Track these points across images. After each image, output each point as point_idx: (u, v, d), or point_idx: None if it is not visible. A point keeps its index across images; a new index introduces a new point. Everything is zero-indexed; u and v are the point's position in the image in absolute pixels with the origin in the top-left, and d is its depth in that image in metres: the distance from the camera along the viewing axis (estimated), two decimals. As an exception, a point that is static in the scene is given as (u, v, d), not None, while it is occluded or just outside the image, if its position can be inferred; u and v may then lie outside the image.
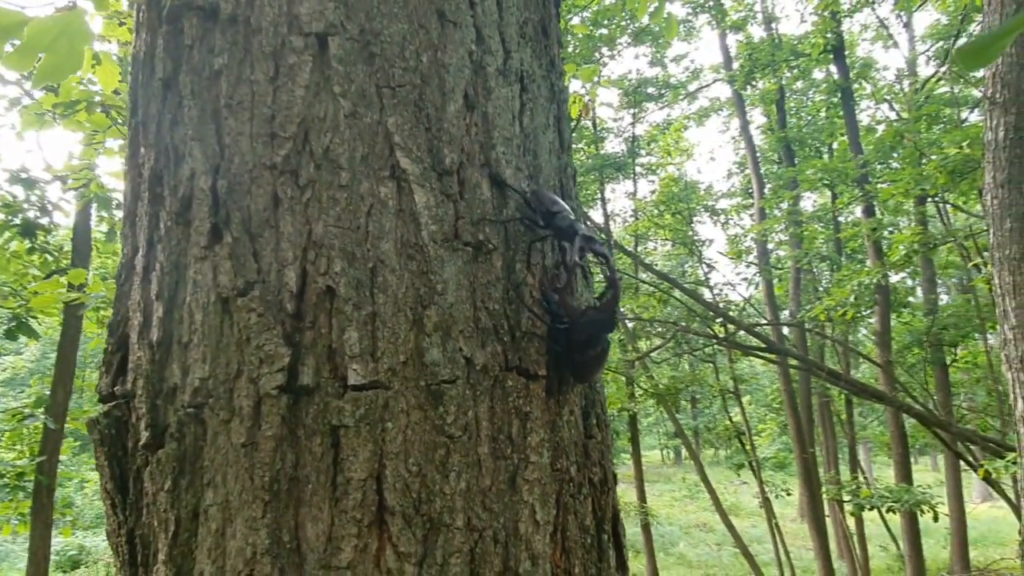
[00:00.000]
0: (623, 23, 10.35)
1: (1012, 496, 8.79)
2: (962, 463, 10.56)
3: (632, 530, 14.96)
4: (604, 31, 10.49)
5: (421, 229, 0.84)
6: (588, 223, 0.95)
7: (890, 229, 11.79)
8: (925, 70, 13.76)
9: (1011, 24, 0.51)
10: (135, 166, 0.96)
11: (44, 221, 6.03)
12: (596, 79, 6.84)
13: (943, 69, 12.57)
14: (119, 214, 3.75)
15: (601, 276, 0.91)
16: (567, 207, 0.92)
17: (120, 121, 3.20)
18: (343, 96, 0.86)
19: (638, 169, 14.73)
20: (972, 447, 8.88)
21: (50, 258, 6.53)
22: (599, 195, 14.78)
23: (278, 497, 0.76)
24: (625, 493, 17.52)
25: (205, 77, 0.88)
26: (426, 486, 0.78)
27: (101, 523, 16.08)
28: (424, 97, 0.88)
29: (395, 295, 0.82)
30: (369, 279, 0.81)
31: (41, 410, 5.84)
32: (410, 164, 0.85)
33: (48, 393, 6.11)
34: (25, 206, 5.80)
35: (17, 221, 5.84)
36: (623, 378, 11.03)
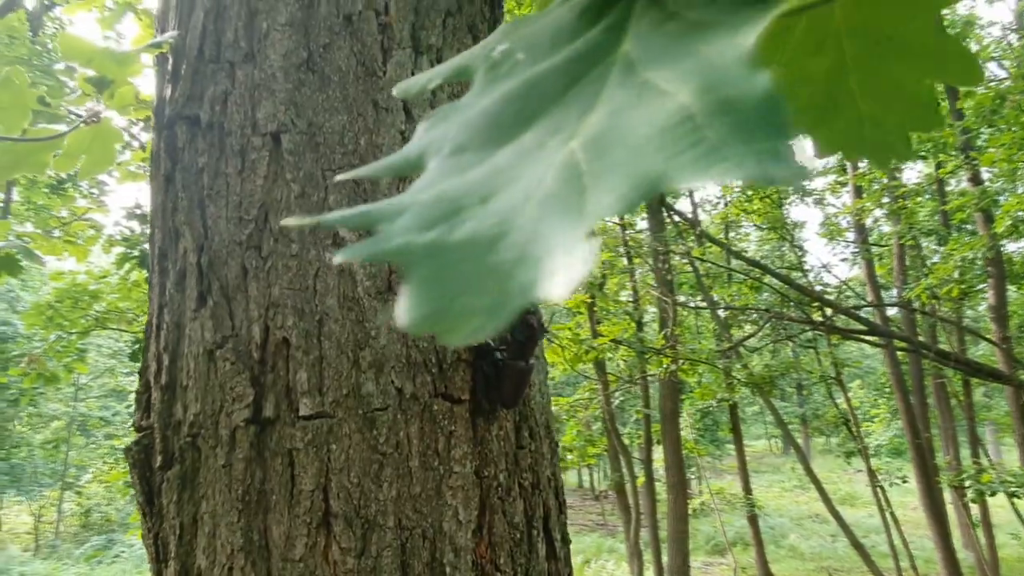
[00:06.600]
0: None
1: None
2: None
3: (739, 522, 14.65)
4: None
5: (357, 285, 1.03)
6: None
7: (1003, 196, 11.03)
8: (1034, 22, 12.73)
9: None
10: (153, 243, 1.20)
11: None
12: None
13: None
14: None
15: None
16: None
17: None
18: (294, 181, 1.06)
19: (724, 154, 14.41)
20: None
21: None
22: (685, 184, 14.51)
23: (249, 506, 0.97)
24: (730, 485, 17.17)
25: (193, 173, 1.11)
26: (364, 494, 0.97)
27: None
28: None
29: (338, 340, 1.01)
30: (317, 329, 1.02)
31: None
32: (348, 232, 1.05)
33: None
34: (142, 239, 6.45)
35: (135, 253, 6.49)
36: (718, 368, 10.88)
